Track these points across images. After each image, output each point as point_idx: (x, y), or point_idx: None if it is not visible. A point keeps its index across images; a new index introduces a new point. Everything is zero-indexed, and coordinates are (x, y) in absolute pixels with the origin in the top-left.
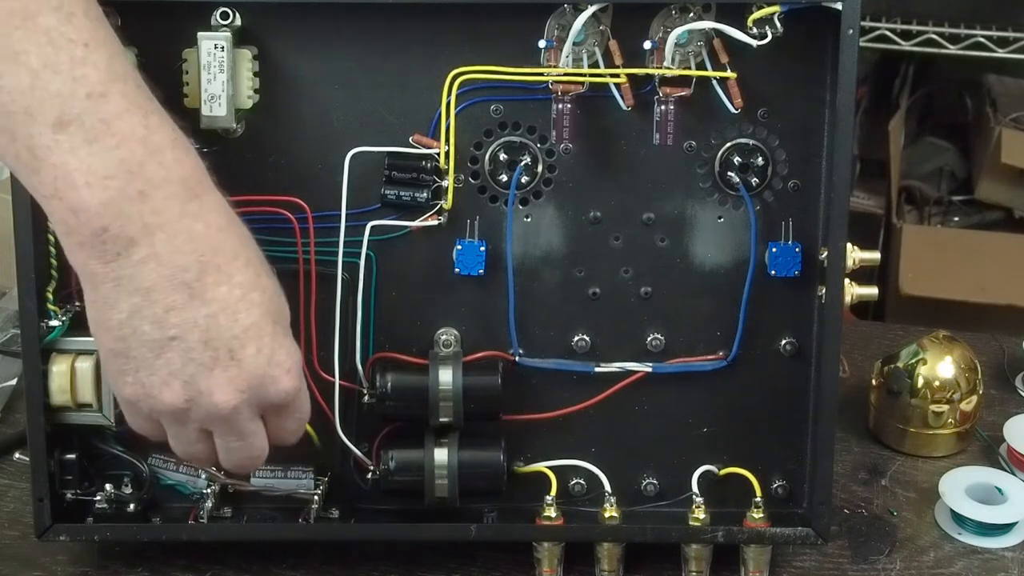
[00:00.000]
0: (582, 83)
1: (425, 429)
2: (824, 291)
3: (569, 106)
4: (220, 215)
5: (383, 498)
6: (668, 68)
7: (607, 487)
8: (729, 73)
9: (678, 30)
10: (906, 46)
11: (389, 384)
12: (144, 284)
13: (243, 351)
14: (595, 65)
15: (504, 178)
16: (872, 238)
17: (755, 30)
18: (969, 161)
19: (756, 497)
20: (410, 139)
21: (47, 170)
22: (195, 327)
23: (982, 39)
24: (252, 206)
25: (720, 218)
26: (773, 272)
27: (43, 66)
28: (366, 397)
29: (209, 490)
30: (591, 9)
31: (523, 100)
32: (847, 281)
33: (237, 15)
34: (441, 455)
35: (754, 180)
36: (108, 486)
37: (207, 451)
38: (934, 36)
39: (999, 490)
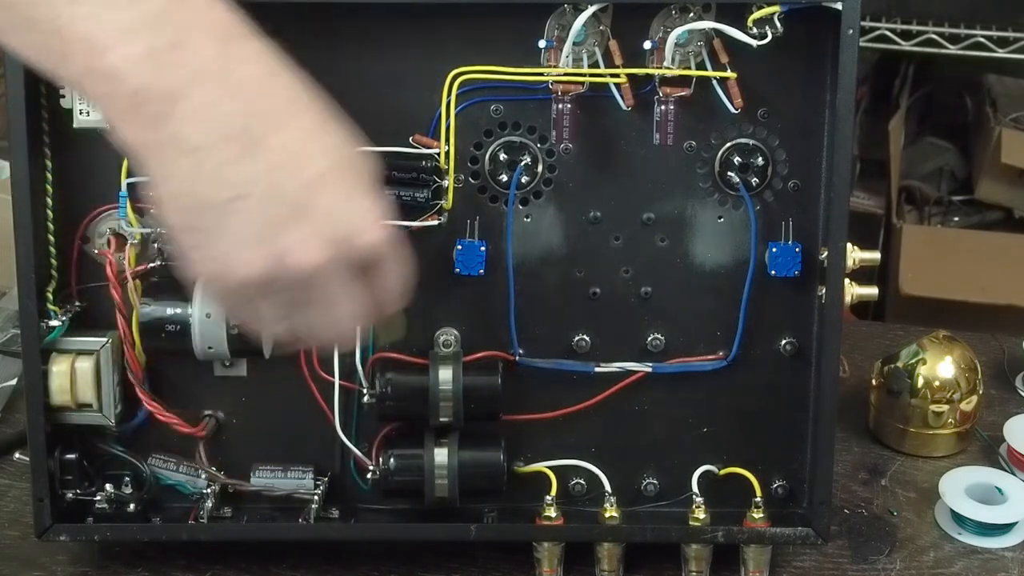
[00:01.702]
0: (582, 83)
1: (425, 429)
2: (824, 291)
3: (569, 106)
4: (265, 59)
5: (383, 498)
6: (668, 68)
7: (607, 487)
8: (729, 73)
9: (678, 30)
10: (906, 46)
11: (389, 384)
12: (193, 142)
13: (315, 203)
14: (595, 65)
15: (504, 178)
16: (872, 238)
17: (755, 30)
18: (969, 161)
19: (756, 497)
20: (410, 139)
21: (74, 47)
22: (256, 182)
23: (982, 39)
24: None
25: (720, 218)
26: (773, 272)
27: None
28: (366, 397)
29: (209, 490)
30: (591, 9)
31: (523, 100)
32: (847, 281)
33: None
34: (441, 455)
35: (754, 180)
36: (108, 486)
37: (300, 326)
38: (934, 36)
39: (999, 490)
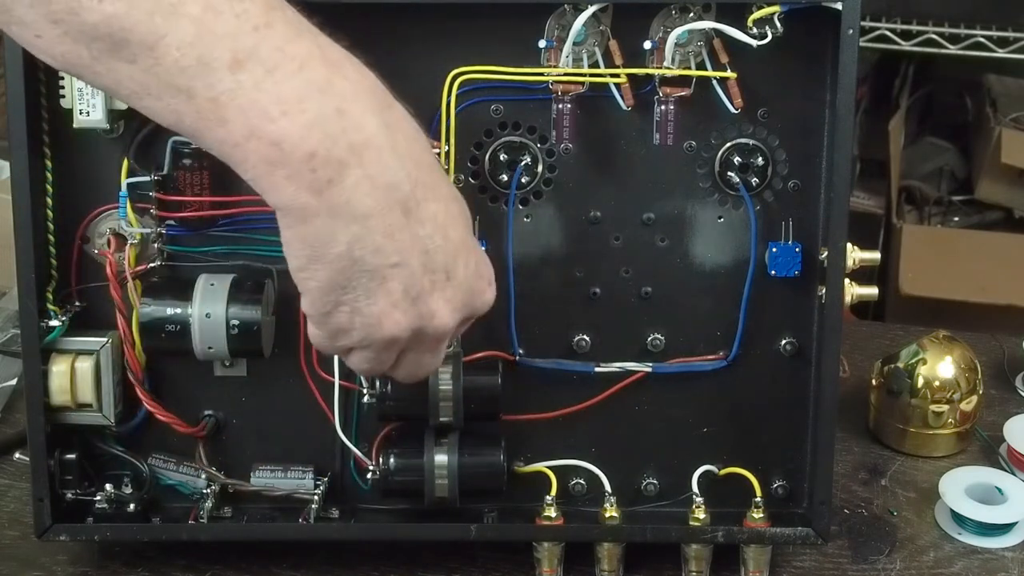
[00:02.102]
0: (582, 83)
1: (425, 429)
2: (824, 291)
3: (569, 106)
4: (412, 125)
5: (383, 498)
6: (668, 68)
7: (607, 487)
8: (729, 73)
9: (678, 30)
10: (906, 46)
11: (389, 384)
12: (361, 210)
13: (456, 269)
14: (595, 65)
15: (504, 178)
16: (872, 238)
17: (755, 30)
18: (969, 161)
19: (756, 497)
20: None
21: (235, 114)
22: (415, 251)
23: (982, 39)
24: (252, 206)
25: (720, 218)
26: (773, 272)
27: (203, 10)
28: (366, 397)
29: (209, 490)
30: (591, 9)
31: (523, 100)
32: (847, 281)
33: None
34: (441, 455)
35: (754, 180)
36: (108, 486)
37: (409, 368)
38: (934, 36)
39: (999, 490)
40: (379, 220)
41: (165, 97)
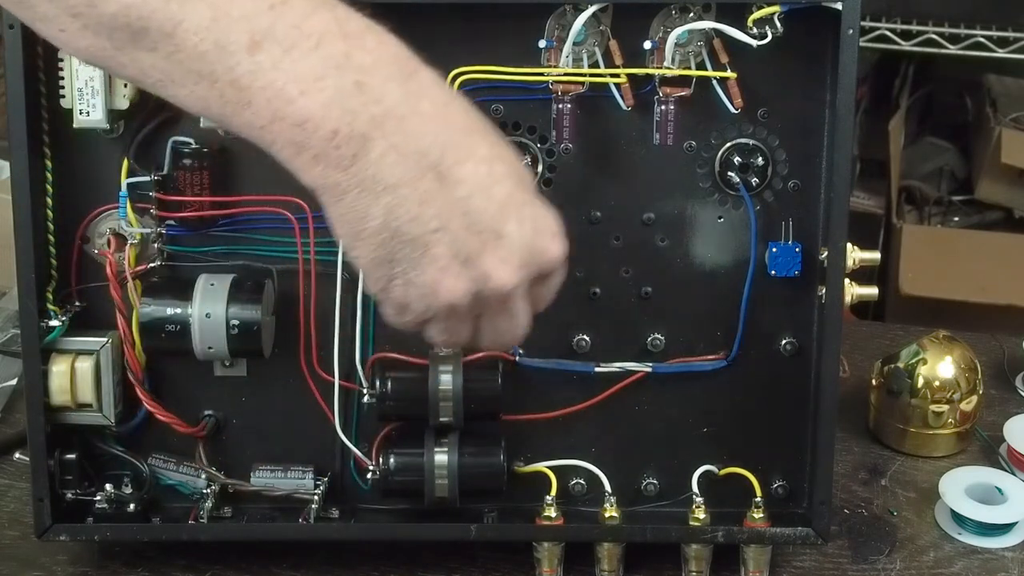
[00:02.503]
0: (582, 83)
1: (425, 429)
2: (824, 291)
3: (569, 106)
4: (441, 89)
5: (383, 498)
6: (668, 68)
7: (607, 487)
8: (729, 73)
9: (678, 30)
10: (906, 46)
11: (389, 384)
12: (390, 180)
13: (507, 227)
14: (595, 65)
15: None
16: (872, 238)
17: (755, 30)
18: (969, 161)
19: (756, 497)
20: None
21: (258, 96)
22: (454, 213)
23: (982, 39)
24: (252, 206)
25: (720, 218)
26: (773, 272)
27: None
28: (366, 397)
29: (209, 490)
30: (591, 9)
31: (523, 100)
32: (847, 281)
33: None
34: (441, 455)
35: (754, 180)
36: (108, 486)
37: (472, 334)
38: (934, 36)
39: (999, 490)
40: (411, 188)
41: (188, 84)
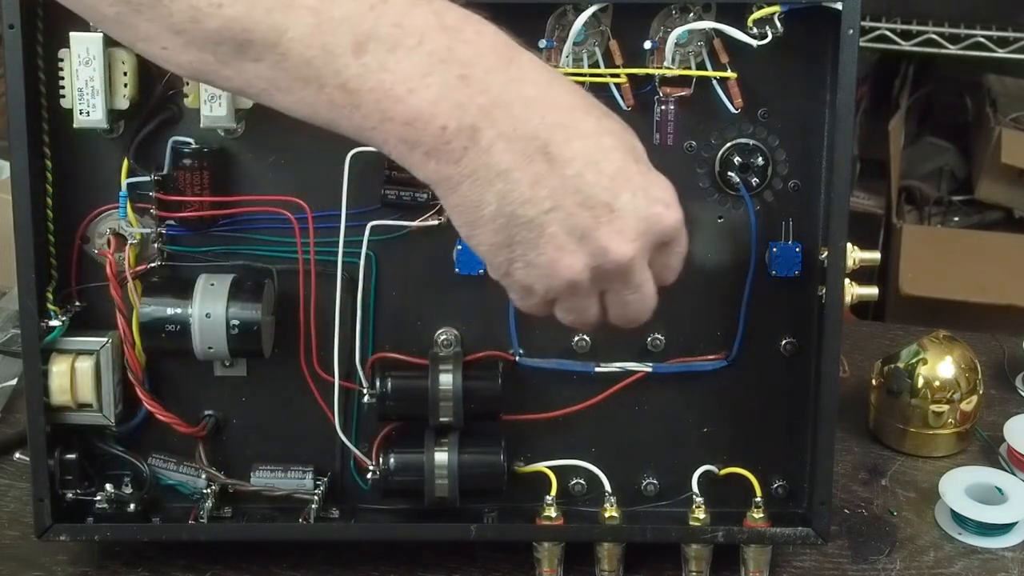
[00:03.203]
0: (582, 83)
1: (425, 429)
2: (824, 291)
3: None
4: (542, 71)
5: (383, 498)
6: (668, 68)
7: (607, 487)
8: (729, 73)
9: (678, 30)
10: (906, 46)
11: (389, 384)
12: (501, 167)
13: (619, 199)
14: (595, 65)
15: None
16: (872, 238)
17: (755, 30)
18: (969, 161)
19: (756, 497)
20: None
21: (366, 98)
22: (566, 192)
23: (982, 39)
24: (252, 206)
25: (720, 218)
26: (773, 272)
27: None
28: (366, 397)
29: (209, 490)
30: (591, 9)
31: None
32: (847, 281)
33: None
34: (441, 455)
35: (754, 180)
36: (108, 486)
37: (600, 314)
38: (934, 36)
39: (999, 490)
40: (522, 172)
41: (296, 91)
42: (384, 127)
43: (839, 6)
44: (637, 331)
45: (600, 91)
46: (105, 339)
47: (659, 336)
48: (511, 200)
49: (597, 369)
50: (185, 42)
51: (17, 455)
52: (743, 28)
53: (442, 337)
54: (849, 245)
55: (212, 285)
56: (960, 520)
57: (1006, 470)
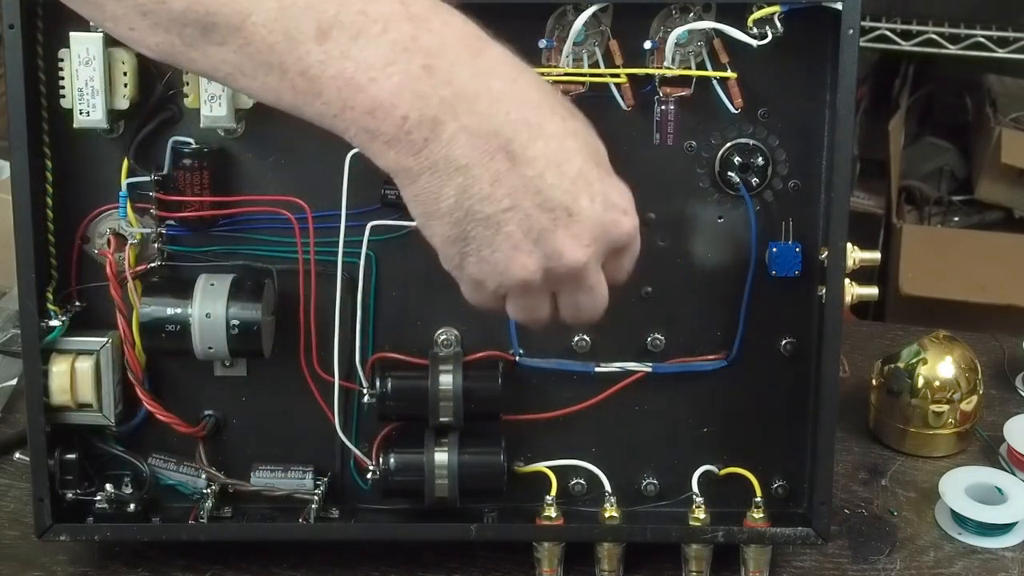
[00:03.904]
0: (582, 83)
1: (425, 429)
2: (824, 291)
3: None
4: (510, 67)
5: (383, 498)
6: (668, 68)
7: (607, 487)
8: (729, 73)
9: (678, 30)
10: (906, 46)
11: (389, 384)
12: (462, 162)
13: (578, 204)
14: (595, 65)
15: None
16: (872, 238)
17: (755, 30)
18: (969, 161)
19: (756, 497)
20: None
21: (328, 86)
22: (526, 192)
23: (982, 39)
24: (252, 206)
25: (720, 218)
26: (773, 272)
27: None
28: (366, 397)
29: (209, 490)
30: (591, 9)
31: None
32: (847, 281)
33: None
34: (441, 455)
35: (754, 180)
36: (108, 486)
37: (551, 312)
38: (934, 36)
39: (999, 490)
40: (482, 169)
41: (260, 76)
42: (345, 115)
43: (839, 6)
44: (637, 331)
45: (600, 91)
46: (105, 339)
47: (659, 336)
48: (470, 195)
49: (597, 369)
50: (152, 23)
51: (17, 455)
52: (743, 28)
53: (442, 337)
54: (849, 245)
55: (212, 285)
56: (960, 520)
57: (1006, 470)
